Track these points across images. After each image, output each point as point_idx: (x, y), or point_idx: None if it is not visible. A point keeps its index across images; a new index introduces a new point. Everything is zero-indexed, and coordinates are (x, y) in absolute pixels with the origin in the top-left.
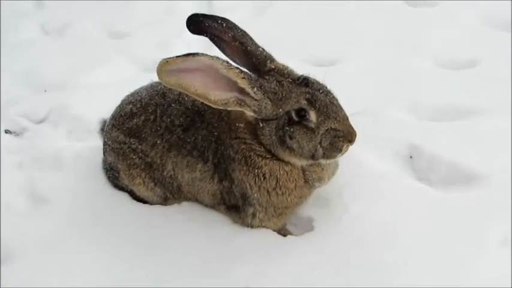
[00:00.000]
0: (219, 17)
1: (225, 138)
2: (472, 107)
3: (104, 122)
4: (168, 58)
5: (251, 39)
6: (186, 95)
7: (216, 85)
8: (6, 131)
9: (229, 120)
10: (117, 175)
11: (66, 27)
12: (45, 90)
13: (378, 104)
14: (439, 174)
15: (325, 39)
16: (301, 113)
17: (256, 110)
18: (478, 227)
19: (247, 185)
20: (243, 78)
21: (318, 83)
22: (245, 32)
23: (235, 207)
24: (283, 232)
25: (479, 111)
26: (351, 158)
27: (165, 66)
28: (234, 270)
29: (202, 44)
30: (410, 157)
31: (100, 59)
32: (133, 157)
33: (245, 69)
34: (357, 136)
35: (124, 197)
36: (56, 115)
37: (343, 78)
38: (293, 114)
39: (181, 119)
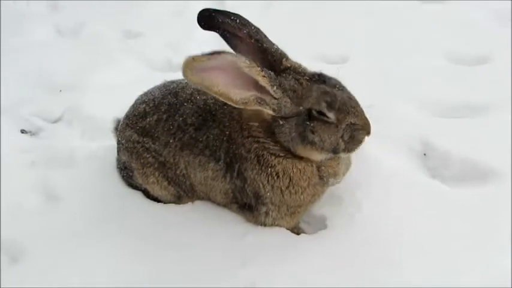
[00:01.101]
0: (231, 13)
1: (236, 137)
2: (485, 103)
3: (118, 121)
4: (194, 55)
5: (265, 36)
6: (198, 94)
7: (237, 84)
8: (22, 131)
9: (240, 120)
10: (131, 174)
11: (79, 28)
12: (60, 90)
13: (391, 101)
14: (453, 171)
15: (335, 36)
16: (311, 110)
17: (276, 108)
18: (490, 224)
19: (260, 184)
20: (264, 76)
21: (333, 78)
22: (259, 29)
23: (248, 206)
24: (296, 230)
25: (491, 107)
26: (364, 155)
27: (190, 63)
28: (246, 269)
29: (214, 45)
30: (424, 154)
31: (113, 59)
32: (147, 156)
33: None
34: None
35: (137, 196)
36: (70, 115)
37: (355, 76)
38: (314, 112)
39: (193, 118)
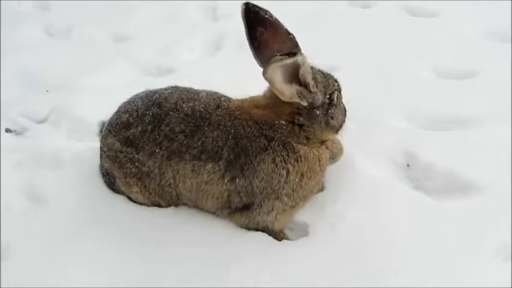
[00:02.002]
0: (267, 10)
1: (249, 131)
2: (470, 116)
3: (103, 124)
4: (279, 57)
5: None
6: (183, 102)
7: (286, 80)
8: (7, 130)
9: (258, 118)
10: (113, 181)
11: (70, 30)
12: (47, 91)
13: (376, 111)
14: (436, 182)
15: (324, 47)
16: (332, 95)
17: (311, 101)
18: (473, 236)
19: (284, 172)
20: (311, 73)
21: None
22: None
23: (243, 208)
24: (282, 235)
25: (476, 120)
26: (347, 164)
27: (277, 63)
28: (228, 274)
29: (205, 50)
30: (408, 165)
31: (102, 62)
32: (130, 166)
33: None
34: None
35: (122, 198)
36: (57, 115)
37: (342, 86)
38: (327, 98)
39: (182, 125)
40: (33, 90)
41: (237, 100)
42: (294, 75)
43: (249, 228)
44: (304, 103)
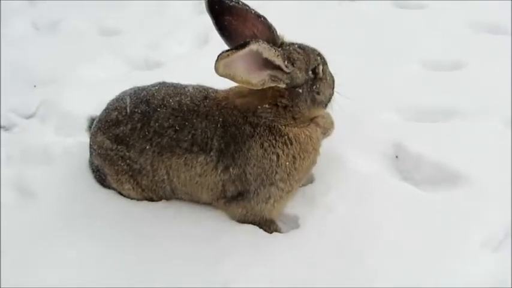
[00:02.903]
0: None
1: (235, 119)
2: (457, 108)
3: (91, 119)
4: (227, 51)
5: (258, 12)
6: (170, 97)
7: (252, 68)
8: None
9: (241, 107)
10: (104, 178)
11: (57, 23)
12: (35, 86)
13: (364, 104)
14: (424, 174)
15: (312, 40)
16: (316, 69)
17: (288, 81)
18: (461, 227)
19: (275, 156)
20: (278, 55)
21: (303, 43)
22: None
23: (238, 196)
24: (274, 227)
25: (463, 112)
26: (336, 157)
27: (223, 60)
28: (220, 267)
29: (194, 43)
30: (396, 157)
31: (90, 56)
32: (121, 164)
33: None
34: None
35: (112, 193)
36: (45, 110)
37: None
38: (310, 73)
39: (170, 120)
40: (20, 85)
41: (224, 90)
42: (262, 61)
43: (246, 221)
44: (282, 85)
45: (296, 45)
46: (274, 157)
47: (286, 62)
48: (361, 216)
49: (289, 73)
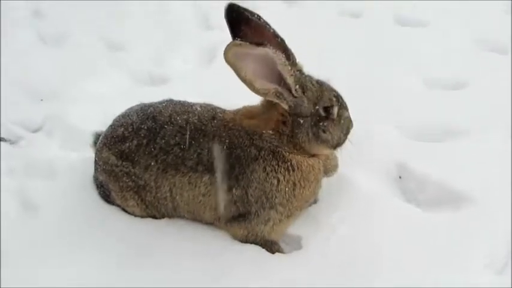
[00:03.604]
0: (255, 12)
1: (241, 141)
2: (461, 128)
3: (97, 135)
4: (240, 41)
5: (279, 34)
6: (178, 115)
7: (263, 74)
8: (2, 139)
9: (249, 128)
10: (108, 193)
11: (64, 37)
12: (42, 100)
13: (368, 123)
14: (428, 194)
15: (313, 57)
16: (329, 109)
17: (292, 105)
18: (464, 249)
19: (275, 181)
20: (292, 75)
21: (324, 81)
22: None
23: (239, 217)
24: (276, 248)
25: (467, 132)
26: (340, 177)
27: (235, 47)
28: (219, 285)
29: (200, 60)
30: (400, 177)
31: (96, 70)
32: (126, 180)
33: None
34: None
35: (115, 208)
36: (51, 124)
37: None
38: (321, 111)
39: (176, 138)
40: (26, 99)
41: (231, 111)
42: (273, 73)
43: (247, 241)
44: (285, 105)
45: (314, 78)
46: (275, 181)
47: (297, 86)
48: (365, 237)
49: (295, 97)
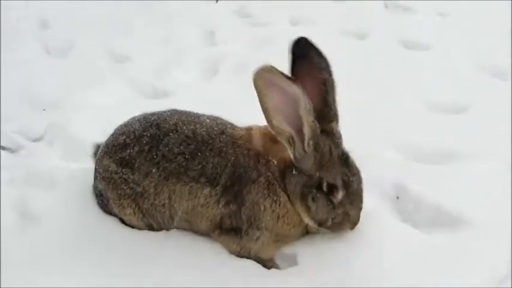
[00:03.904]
0: (323, 53)
1: (247, 162)
2: (459, 150)
3: (97, 146)
4: (273, 67)
5: (334, 91)
6: (184, 124)
7: (283, 112)
8: (2, 148)
9: (256, 151)
10: (106, 202)
11: (68, 48)
12: (44, 109)
13: (367, 143)
14: (424, 215)
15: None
16: (333, 188)
17: (297, 157)
18: (461, 270)
19: (262, 207)
20: (311, 127)
21: (356, 167)
22: (334, 81)
23: (233, 230)
24: (271, 264)
25: (466, 155)
26: None
27: (267, 73)
28: None
29: (202, 74)
30: (397, 198)
31: (99, 81)
32: (124, 187)
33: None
34: None
35: (114, 220)
36: (52, 134)
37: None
38: (324, 186)
39: (181, 147)
40: (28, 108)
41: (241, 128)
42: (294, 116)
43: (241, 256)
44: (291, 154)
45: (340, 150)
46: (262, 207)
47: (310, 142)
48: (361, 255)
49: (305, 152)
